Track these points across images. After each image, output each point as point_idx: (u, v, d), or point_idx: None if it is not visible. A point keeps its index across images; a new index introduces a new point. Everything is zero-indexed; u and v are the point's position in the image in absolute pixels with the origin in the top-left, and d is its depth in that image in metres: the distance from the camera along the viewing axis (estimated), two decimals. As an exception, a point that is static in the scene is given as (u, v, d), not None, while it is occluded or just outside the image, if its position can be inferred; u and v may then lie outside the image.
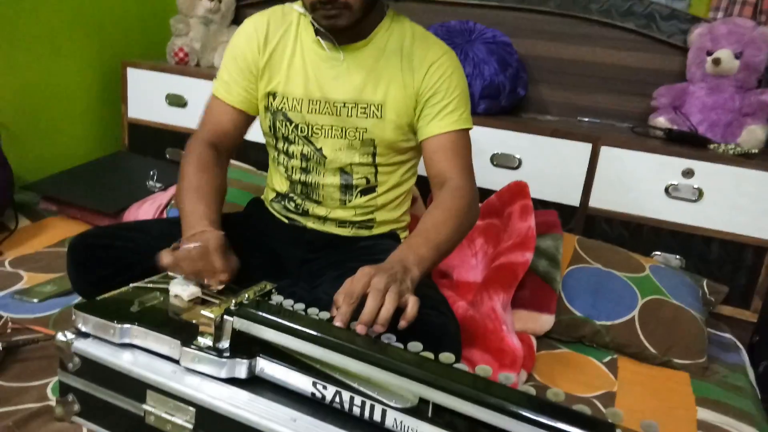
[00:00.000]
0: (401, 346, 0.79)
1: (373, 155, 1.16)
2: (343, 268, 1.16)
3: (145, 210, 1.67)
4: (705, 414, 1.09)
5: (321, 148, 1.15)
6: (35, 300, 1.24)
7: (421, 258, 0.92)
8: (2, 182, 1.55)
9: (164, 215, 1.66)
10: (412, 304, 0.84)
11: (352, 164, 1.16)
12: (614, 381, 1.20)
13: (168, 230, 1.12)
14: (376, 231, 1.23)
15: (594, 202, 1.59)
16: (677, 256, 1.56)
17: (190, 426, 0.78)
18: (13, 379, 0.97)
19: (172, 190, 1.74)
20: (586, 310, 1.31)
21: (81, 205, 1.72)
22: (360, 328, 0.81)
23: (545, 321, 1.27)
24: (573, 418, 0.66)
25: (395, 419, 0.73)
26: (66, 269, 1.10)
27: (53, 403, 0.91)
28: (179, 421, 0.79)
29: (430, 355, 0.77)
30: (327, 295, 1.15)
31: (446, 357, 0.77)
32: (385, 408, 0.73)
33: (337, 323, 0.83)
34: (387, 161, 1.17)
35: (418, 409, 0.72)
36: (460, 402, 0.69)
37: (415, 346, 0.79)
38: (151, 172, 1.82)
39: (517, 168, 1.64)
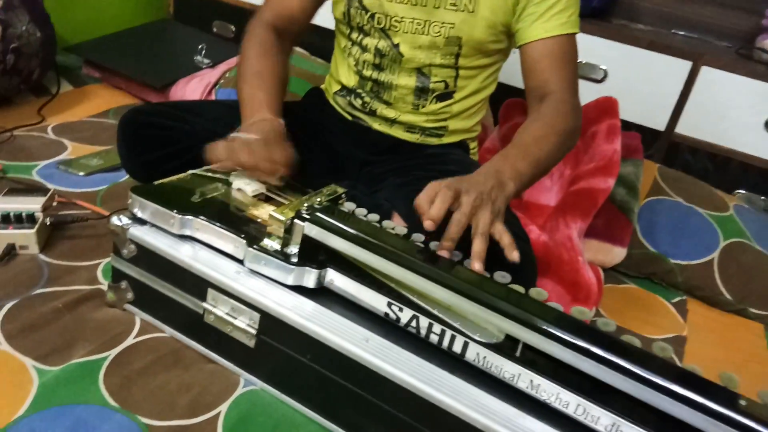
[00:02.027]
0: (487, 274, 0.71)
1: (457, 56, 1.02)
2: (407, 175, 1.07)
3: (192, 87, 1.56)
4: (780, 370, 1.03)
5: (398, 44, 1.02)
6: (81, 173, 1.18)
7: (519, 173, 0.81)
8: (45, 41, 1.45)
9: (212, 95, 1.56)
10: (507, 236, 0.73)
11: (431, 65, 1.03)
12: (683, 324, 1.13)
13: (226, 114, 1.03)
14: (445, 140, 1.12)
15: (681, 128, 1.44)
16: (763, 197, 1.43)
17: (254, 331, 0.73)
18: (62, 257, 0.92)
19: (221, 68, 1.62)
20: (661, 247, 1.22)
21: (126, 74, 1.62)
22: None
23: (617, 254, 1.18)
24: (687, 380, 0.59)
25: (477, 354, 0.67)
26: (116, 145, 1.02)
27: (104, 287, 0.87)
28: (242, 325, 0.74)
29: (521, 289, 0.69)
30: (388, 202, 1.07)
31: (537, 293, 0.69)
32: (468, 341, 0.67)
33: (427, 225, 0.71)
34: (470, 64, 1.04)
35: (504, 347, 0.66)
36: (559, 347, 0.61)
37: (502, 276, 0.71)
38: (200, 47, 1.69)
39: (601, 81, 1.48)
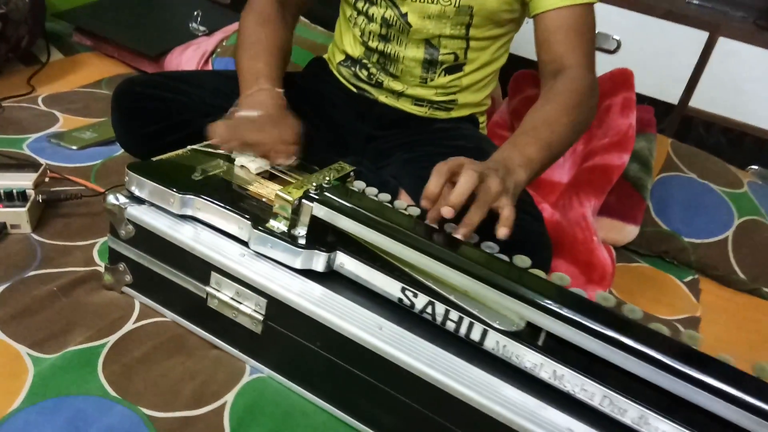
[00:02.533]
0: (506, 258, 0.68)
1: (467, 27, 0.97)
2: (415, 151, 1.03)
3: (188, 56, 1.50)
4: (795, 352, 1.01)
5: (406, 14, 0.96)
6: (74, 147, 1.13)
7: (529, 159, 0.76)
8: (33, 6, 1.37)
9: (209, 64, 1.50)
10: (509, 209, 0.68)
11: (440, 36, 0.97)
12: (696, 304, 1.10)
13: (225, 85, 0.98)
14: (454, 114, 1.07)
15: (695, 101, 1.40)
16: (776, 173, 1.40)
17: (260, 316, 0.70)
18: (55, 236, 0.88)
19: (217, 36, 1.56)
20: (674, 224, 1.19)
21: (118, 42, 1.55)
22: (446, 211, 0.65)
23: (629, 232, 1.15)
24: (719, 371, 0.56)
25: (497, 342, 0.64)
26: (111, 118, 0.97)
27: (100, 268, 0.83)
28: (247, 310, 0.70)
29: (541, 274, 0.66)
30: (394, 179, 1.03)
31: (559, 278, 0.66)
32: (486, 328, 0.64)
33: (423, 202, 0.68)
34: (482, 34, 0.99)
35: (525, 335, 0.63)
36: (584, 336, 0.58)
37: (522, 260, 0.68)
38: (195, 13, 1.62)
39: (613, 52, 1.43)
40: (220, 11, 1.71)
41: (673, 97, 1.42)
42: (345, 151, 1.06)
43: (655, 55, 1.40)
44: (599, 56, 1.43)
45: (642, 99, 1.41)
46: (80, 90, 1.39)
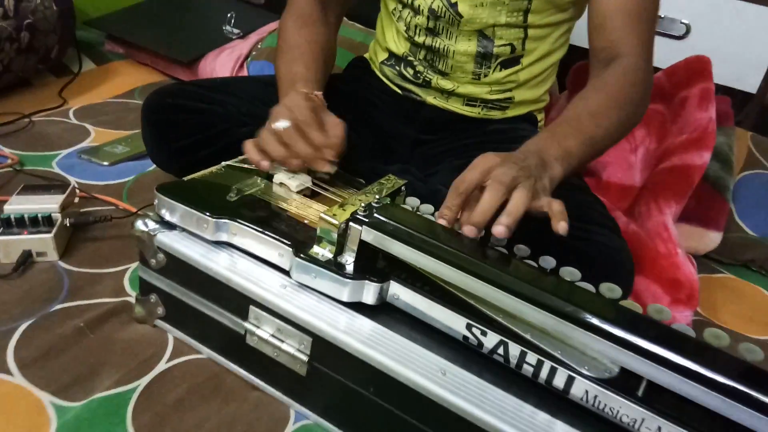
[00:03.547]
0: (591, 288, 0.57)
1: (525, 13, 0.87)
2: (468, 156, 0.92)
3: (222, 61, 1.43)
4: None
5: (455, 3, 0.87)
6: (105, 163, 1.07)
7: (567, 152, 0.66)
8: (62, 15, 1.33)
9: (244, 69, 1.43)
10: (556, 203, 0.59)
11: (495, 26, 0.87)
12: (792, 321, 0.97)
13: (262, 92, 0.90)
14: (510, 113, 0.97)
15: (777, 89, 1.26)
16: None
17: (305, 357, 0.61)
18: (84, 263, 0.81)
19: (252, 39, 1.49)
20: (761, 229, 1.06)
21: (152, 49, 1.50)
22: (467, 230, 0.59)
23: (711, 239, 1.03)
24: None
25: (587, 391, 0.53)
26: (141, 133, 0.91)
27: (131, 299, 0.76)
28: (290, 349, 0.62)
29: (637, 308, 0.56)
30: (445, 188, 0.93)
31: (657, 311, 0.56)
32: (573, 374, 0.54)
33: (440, 221, 0.62)
34: (541, 21, 0.88)
35: (620, 383, 0.53)
36: (700, 390, 0.48)
37: (611, 289, 0.57)
38: (228, 15, 1.56)
39: (682, 37, 1.29)
40: (254, 12, 1.65)
41: (750, 85, 1.27)
42: (390, 157, 0.97)
43: (730, 40, 1.26)
44: (666, 43, 1.31)
45: (716, 89, 1.27)
46: (112, 101, 1.34)
